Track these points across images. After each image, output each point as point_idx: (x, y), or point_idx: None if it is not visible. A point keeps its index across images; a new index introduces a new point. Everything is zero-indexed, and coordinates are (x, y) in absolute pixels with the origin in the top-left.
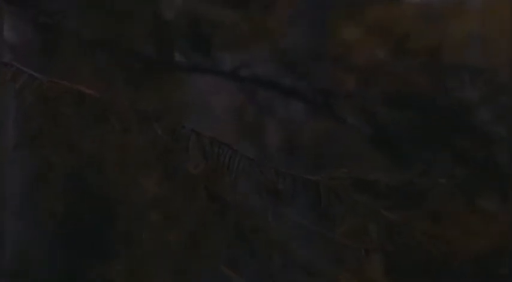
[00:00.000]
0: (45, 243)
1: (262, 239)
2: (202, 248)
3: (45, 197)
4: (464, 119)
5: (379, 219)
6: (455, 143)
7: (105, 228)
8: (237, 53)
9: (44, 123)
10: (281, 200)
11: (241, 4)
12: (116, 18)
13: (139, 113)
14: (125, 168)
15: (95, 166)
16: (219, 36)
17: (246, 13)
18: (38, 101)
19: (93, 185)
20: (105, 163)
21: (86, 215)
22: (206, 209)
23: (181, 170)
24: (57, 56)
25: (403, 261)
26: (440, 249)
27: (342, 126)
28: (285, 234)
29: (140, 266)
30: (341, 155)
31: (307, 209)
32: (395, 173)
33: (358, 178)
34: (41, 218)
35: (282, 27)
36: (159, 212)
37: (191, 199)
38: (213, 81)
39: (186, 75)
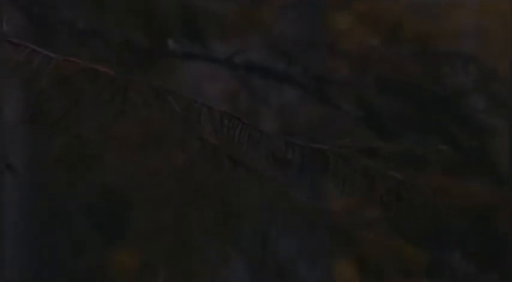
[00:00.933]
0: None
1: (287, 204)
2: (233, 218)
3: (77, 176)
4: (456, 106)
5: (387, 179)
6: (448, 130)
7: (128, 203)
8: (230, 40)
9: (67, 102)
10: (291, 168)
11: None
12: (108, 9)
13: (155, 88)
14: (151, 142)
15: (121, 143)
16: (213, 25)
17: (239, 2)
18: (56, 80)
19: (118, 161)
20: (129, 139)
21: (115, 191)
22: (231, 177)
23: (202, 141)
24: (53, 46)
25: (407, 223)
26: (446, 203)
27: (336, 112)
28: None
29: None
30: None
31: (316, 175)
32: (395, 142)
33: (363, 146)
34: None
35: (275, 15)
36: (186, 185)
37: (216, 168)
38: (208, 69)
39: (181, 63)
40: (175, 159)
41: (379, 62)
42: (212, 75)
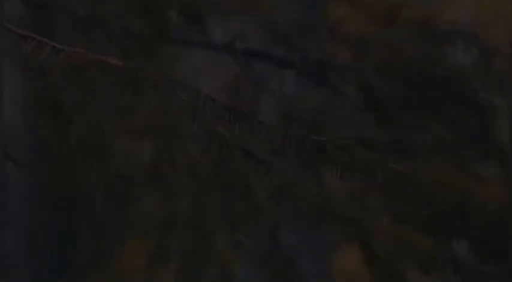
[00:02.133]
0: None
1: (297, 193)
2: (240, 208)
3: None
4: (457, 87)
5: (387, 171)
6: (448, 112)
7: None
8: (229, 26)
9: (81, 93)
10: (290, 159)
11: None
12: None
13: (162, 79)
14: (164, 133)
15: (134, 133)
16: (211, 11)
17: None
18: (67, 71)
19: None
20: (145, 129)
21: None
22: (242, 167)
23: (214, 132)
24: (53, 34)
25: (413, 205)
26: (449, 197)
27: (337, 97)
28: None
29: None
30: (336, 125)
31: (314, 166)
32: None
33: (361, 137)
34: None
35: (274, 0)
36: (197, 174)
37: (227, 158)
38: (207, 56)
39: (181, 50)
40: (186, 150)
41: (378, 45)
42: (212, 62)
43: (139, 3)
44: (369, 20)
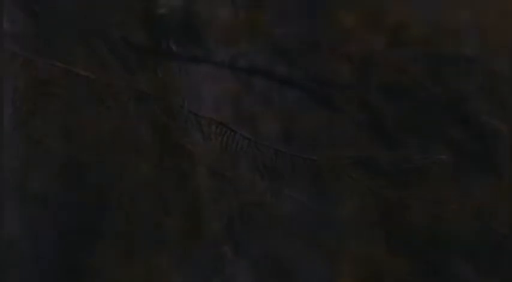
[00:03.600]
0: (37, 228)
1: (264, 215)
2: (201, 227)
3: (38, 180)
4: (459, 109)
5: (378, 197)
6: (450, 133)
7: (98, 210)
8: (232, 44)
9: (39, 105)
10: (279, 178)
11: None
12: (108, 10)
13: (137, 94)
14: (121, 149)
15: (90, 148)
16: (213, 28)
17: (241, 4)
18: (33, 83)
19: (88, 167)
20: (100, 145)
21: (79, 198)
22: (205, 187)
23: (180, 148)
24: (52, 42)
25: (404, 236)
26: (439, 227)
27: (338, 115)
28: (286, 210)
29: (135, 249)
30: (337, 143)
31: (306, 186)
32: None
33: (355, 158)
34: (34, 202)
35: (275, 17)
36: (155, 192)
37: (190, 177)
38: (209, 71)
39: (181, 65)
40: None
41: (382, 64)
42: (213, 77)
43: (140, 21)
44: (372, 39)
